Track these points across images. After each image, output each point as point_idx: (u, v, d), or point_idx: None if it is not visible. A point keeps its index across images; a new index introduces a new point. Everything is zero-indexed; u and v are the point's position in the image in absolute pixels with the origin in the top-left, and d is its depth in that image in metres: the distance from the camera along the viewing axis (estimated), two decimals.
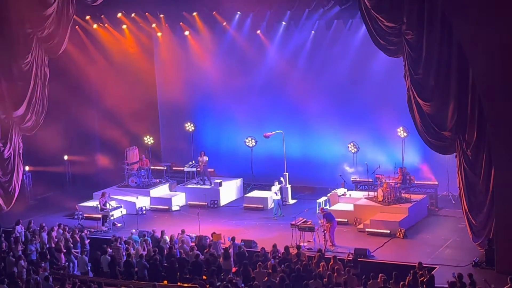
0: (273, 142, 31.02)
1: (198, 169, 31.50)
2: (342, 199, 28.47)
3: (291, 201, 30.36)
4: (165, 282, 22.29)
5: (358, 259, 22.40)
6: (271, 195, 29.07)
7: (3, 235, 26.17)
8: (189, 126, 33.38)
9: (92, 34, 32.45)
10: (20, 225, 26.49)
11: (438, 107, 22.65)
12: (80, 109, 33.19)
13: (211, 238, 24.26)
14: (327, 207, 27.67)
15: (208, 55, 33.28)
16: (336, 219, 25.26)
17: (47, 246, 25.37)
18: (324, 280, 20.41)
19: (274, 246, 23.14)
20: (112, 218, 28.55)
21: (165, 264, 23.13)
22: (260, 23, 30.75)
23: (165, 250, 23.82)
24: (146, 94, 34.36)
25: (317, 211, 27.74)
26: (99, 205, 28.73)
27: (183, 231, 25.01)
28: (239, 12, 30.38)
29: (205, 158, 31.18)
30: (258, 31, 31.43)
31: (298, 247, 23.25)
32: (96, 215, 28.76)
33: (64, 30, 28.05)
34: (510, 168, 21.37)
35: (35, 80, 28.24)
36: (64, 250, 24.65)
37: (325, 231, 24.61)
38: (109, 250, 23.92)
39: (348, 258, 22.55)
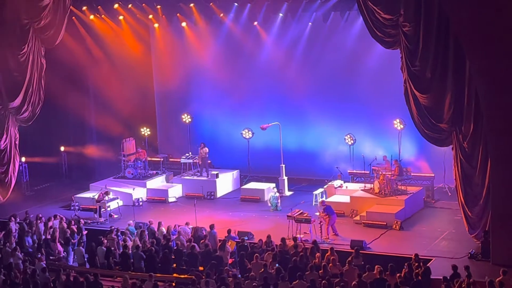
0: (270, 134, 31.03)
1: (196, 160, 31.49)
2: (338, 191, 28.49)
3: (287, 193, 30.37)
4: (175, 274, 22.21)
5: (360, 251, 22.36)
6: (271, 194, 28.97)
7: None
8: (186, 118, 33.38)
9: (88, 25, 32.33)
10: (13, 221, 26.25)
11: (435, 99, 22.65)
12: (77, 100, 33.13)
13: (208, 230, 24.28)
14: (324, 198, 27.71)
15: (205, 46, 33.22)
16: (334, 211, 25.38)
17: (44, 237, 25.38)
18: (320, 271, 20.46)
19: (268, 237, 23.17)
20: (109, 209, 28.53)
21: (161, 256, 23.15)
22: (257, 15, 30.73)
23: (162, 242, 23.83)
24: (143, 85, 34.32)
25: (314, 202, 27.83)
26: (95, 197, 28.72)
27: (187, 224, 25.03)
28: (236, 4, 30.33)
29: (206, 150, 31.15)
30: (255, 23, 31.38)
31: (295, 238, 23.30)
32: (93, 207, 28.77)
33: (61, 21, 28.01)
34: (506, 160, 21.39)
35: (31, 71, 28.21)
36: (61, 241, 24.67)
37: (321, 223, 24.66)
38: (105, 241, 23.95)
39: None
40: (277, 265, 21.34)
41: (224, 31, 32.38)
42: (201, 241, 23.48)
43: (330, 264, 20.84)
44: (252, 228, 25.82)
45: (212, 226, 24.27)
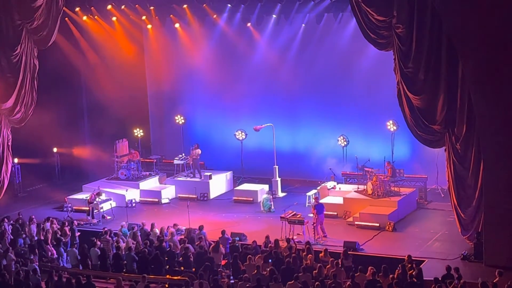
0: (263, 135, 31.02)
1: (188, 161, 31.46)
2: (331, 192, 28.51)
3: (280, 194, 30.36)
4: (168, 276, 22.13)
5: (352, 252, 22.39)
6: (264, 196, 28.91)
7: None
8: (179, 119, 33.35)
9: (81, 26, 32.31)
10: (7, 222, 26.19)
11: (428, 100, 22.69)
12: (70, 101, 33.09)
13: (199, 231, 24.22)
14: (318, 196, 27.66)
15: (198, 47, 33.21)
16: (326, 212, 25.39)
17: (36, 238, 25.30)
18: (314, 272, 20.44)
19: (267, 237, 23.18)
20: (102, 210, 28.47)
21: (153, 257, 23.09)
22: (251, 16, 30.77)
23: (155, 243, 23.77)
24: (136, 86, 34.26)
25: (307, 204, 27.83)
26: (88, 198, 28.66)
27: (175, 225, 24.99)
28: (229, 5, 30.33)
29: (198, 151, 31.13)
30: (249, 24, 31.40)
31: (288, 240, 23.29)
32: (86, 208, 28.70)
33: (54, 22, 27.91)
34: (499, 161, 21.45)
35: (24, 72, 28.10)
36: (54, 243, 24.60)
37: (314, 224, 24.68)
38: (99, 243, 23.89)
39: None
40: (270, 260, 21.36)
41: (217, 32, 32.38)
42: (196, 243, 23.43)
43: (328, 265, 20.82)
44: (245, 229, 25.81)
45: (201, 227, 24.23)
